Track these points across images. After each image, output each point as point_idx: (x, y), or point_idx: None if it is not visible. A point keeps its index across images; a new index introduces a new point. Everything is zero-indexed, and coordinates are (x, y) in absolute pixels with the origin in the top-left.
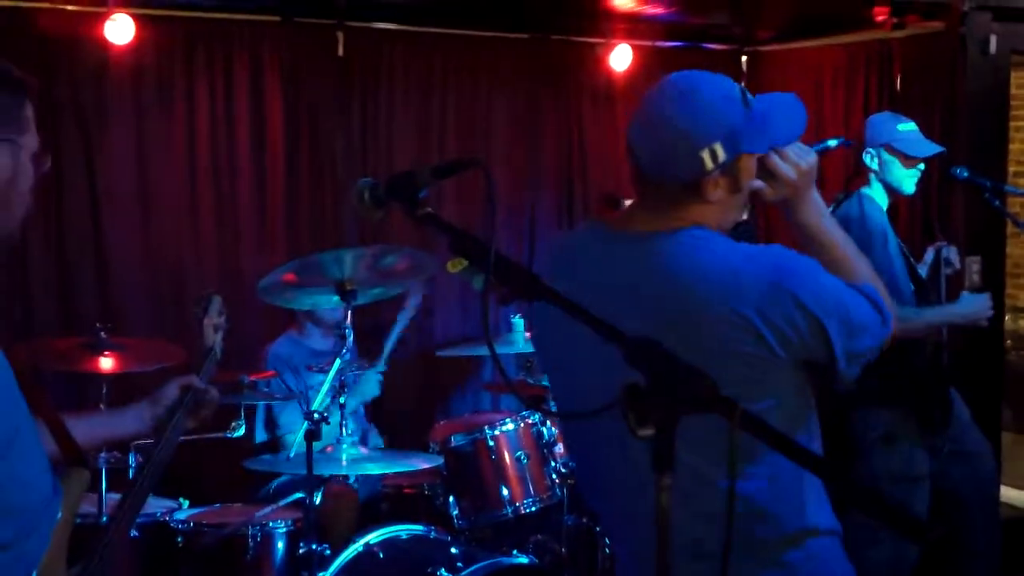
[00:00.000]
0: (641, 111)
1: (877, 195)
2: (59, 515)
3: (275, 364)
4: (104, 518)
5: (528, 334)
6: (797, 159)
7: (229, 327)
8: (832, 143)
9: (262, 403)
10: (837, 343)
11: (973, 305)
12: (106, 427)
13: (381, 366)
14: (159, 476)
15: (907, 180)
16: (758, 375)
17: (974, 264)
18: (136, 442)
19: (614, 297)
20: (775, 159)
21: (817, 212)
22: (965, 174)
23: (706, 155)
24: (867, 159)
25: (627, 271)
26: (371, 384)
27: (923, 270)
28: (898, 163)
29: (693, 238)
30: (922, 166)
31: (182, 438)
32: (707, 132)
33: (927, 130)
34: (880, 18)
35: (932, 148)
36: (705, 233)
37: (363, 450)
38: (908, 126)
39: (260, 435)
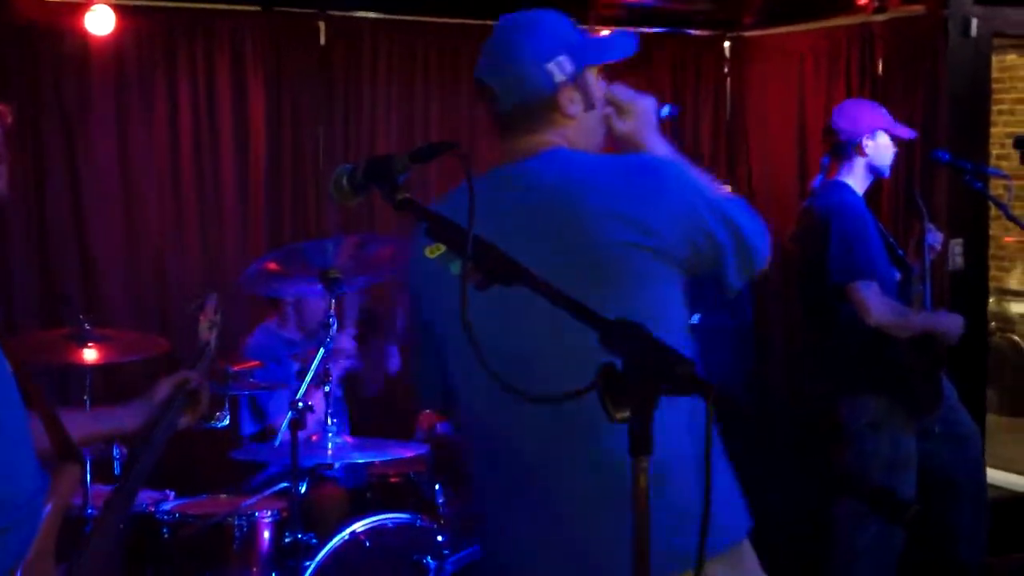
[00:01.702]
0: (485, 48)
1: (856, 182)
2: (47, 508)
3: (256, 354)
4: (89, 510)
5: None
6: (635, 95)
7: (222, 325)
8: (664, 111)
9: (245, 394)
10: (723, 253)
11: (949, 323)
12: (99, 423)
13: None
14: (149, 472)
15: (889, 163)
16: (645, 270)
17: (956, 247)
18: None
19: (503, 234)
20: (618, 88)
21: (664, 151)
22: (947, 157)
23: (553, 67)
24: (864, 145)
25: (508, 204)
26: (343, 340)
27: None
28: (890, 145)
29: (558, 153)
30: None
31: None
32: (551, 47)
33: (909, 113)
34: (862, 2)
35: (910, 132)
36: (570, 151)
37: (348, 439)
38: (883, 110)
39: (248, 427)
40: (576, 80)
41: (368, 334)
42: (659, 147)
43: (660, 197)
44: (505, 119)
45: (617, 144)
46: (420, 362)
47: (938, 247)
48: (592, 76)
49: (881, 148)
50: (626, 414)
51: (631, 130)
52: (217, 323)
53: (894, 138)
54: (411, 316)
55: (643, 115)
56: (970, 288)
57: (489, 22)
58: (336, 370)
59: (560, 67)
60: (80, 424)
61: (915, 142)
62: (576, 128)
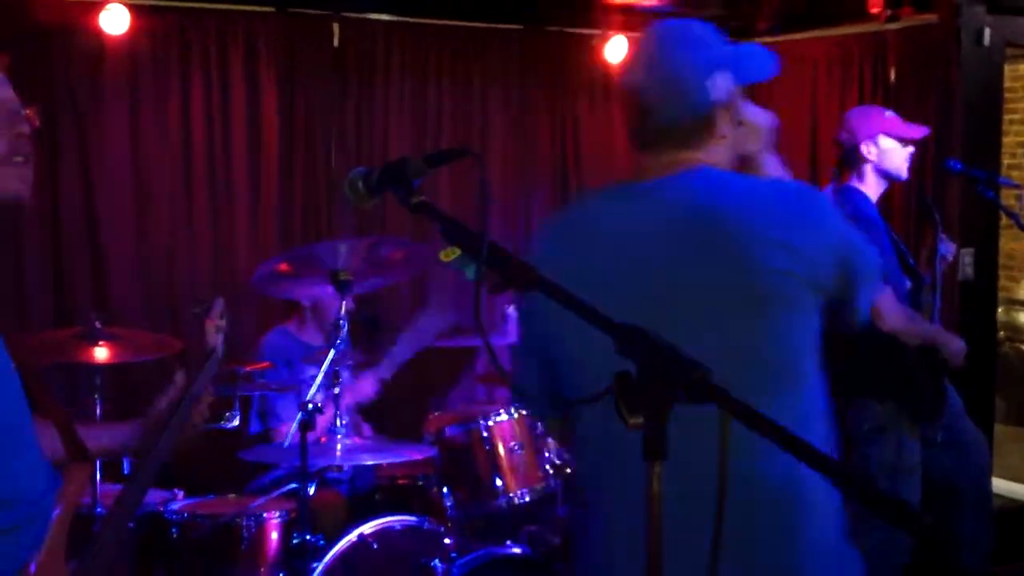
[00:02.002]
0: (641, 56)
1: (869, 188)
2: (57, 509)
3: (270, 355)
4: (99, 509)
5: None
6: (763, 113)
7: (228, 329)
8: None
9: (256, 394)
10: (859, 279)
11: (955, 345)
12: (102, 438)
13: (386, 375)
14: (154, 475)
15: (903, 165)
16: (795, 297)
17: (967, 256)
18: None
19: (646, 246)
20: (749, 107)
21: (780, 172)
22: (959, 166)
23: (712, 84)
24: (864, 151)
25: (652, 218)
26: (367, 385)
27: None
28: (896, 148)
29: (707, 172)
30: (912, 149)
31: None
32: (710, 62)
33: (922, 122)
34: (875, 10)
35: (922, 129)
36: (719, 170)
37: (357, 441)
38: (890, 113)
39: (255, 426)
40: (730, 98)
41: (373, 337)
42: (776, 167)
43: (819, 227)
44: (654, 133)
45: (739, 163)
46: (536, 372)
47: (950, 258)
48: (739, 92)
49: (886, 152)
50: (640, 420)
51: (755, 151)
52: (223, 327)
53: (903, 140)
54: (526, 324)
55: (765, 135)
56: (979, 297)
57: (500, 25)
58: (348, 398)
59: (718, 84)
60: (90, 437)
61: (927, 151)
62: (722, 147)
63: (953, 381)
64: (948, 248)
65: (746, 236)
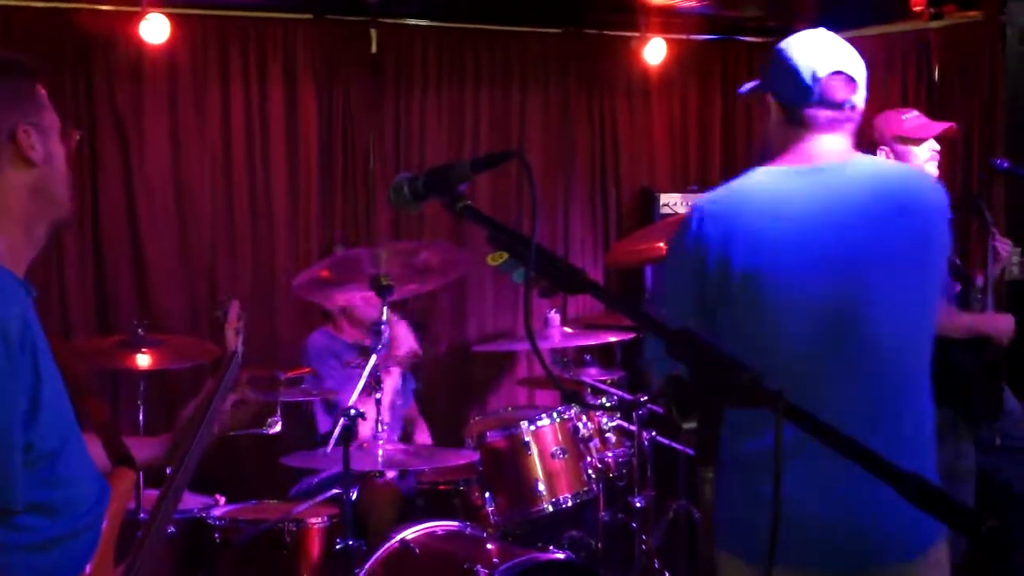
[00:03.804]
0: (844, 47)
1: None
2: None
3: (316, 354)
4: (142, 515)
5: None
6: None
7: (246, 330)
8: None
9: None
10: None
11: (999, 323)
12: (139, 449)
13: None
14: (186, 482)
15: (928, 165)
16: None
17: (1015, 255)
18: None
19: (838, 224)
20: None
21: None
22: (1005, 165)
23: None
24: (882, 156)
25: (845, 197)
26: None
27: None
28: (912, 149)
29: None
30: (936, 146)
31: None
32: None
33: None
34: (917, 8)
35: (938, 126)
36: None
37: (399, 446)
38: (910, 114)
39: (324, 424)
40: None
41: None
42: None
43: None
44: (844, 115)
45: None
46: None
47: (1005, 256)
48: None
49: (902, 155)
50: (693, 424)
51: None
52: (241, 329)
53: (918, 140)
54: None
55: None
56: None
57: (538, 29)
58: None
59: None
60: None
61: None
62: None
63: (1009, 384)
64: (1004, 246)
65: (935, 239)
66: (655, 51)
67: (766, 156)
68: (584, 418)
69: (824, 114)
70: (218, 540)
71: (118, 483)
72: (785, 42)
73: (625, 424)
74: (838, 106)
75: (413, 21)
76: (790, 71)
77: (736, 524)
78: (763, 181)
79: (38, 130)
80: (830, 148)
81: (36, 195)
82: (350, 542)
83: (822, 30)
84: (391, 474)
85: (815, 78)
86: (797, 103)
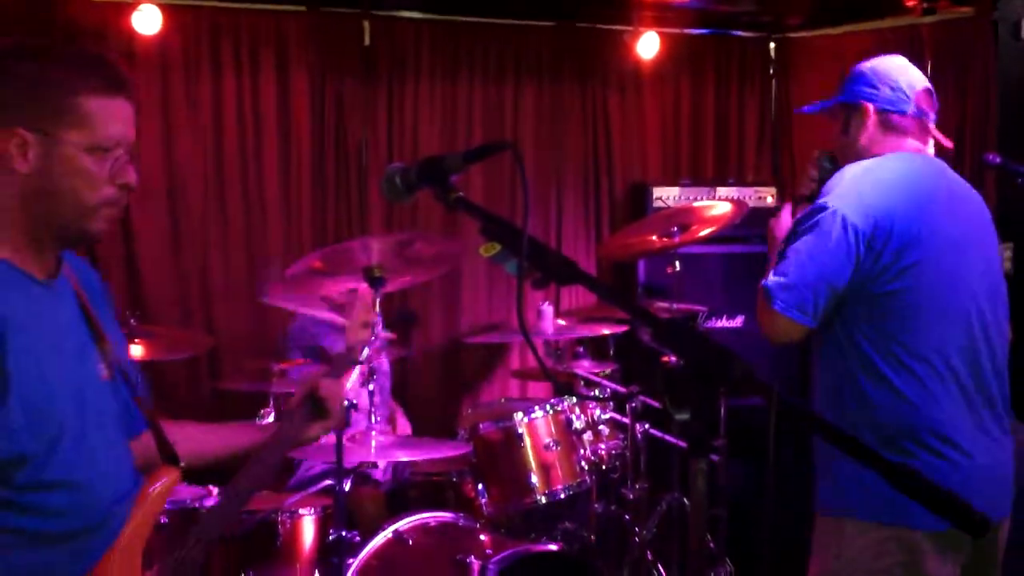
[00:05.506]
0: (912, 70)
1: None
2: (133, 511)
3: (297, 341)
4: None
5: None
6: None
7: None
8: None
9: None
10: None
11: None
12: (212, 440)
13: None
14: (253, 487)
15: None
16: None
17: (1006, 252)
18: None
19: (967, 220)
20: None
21: None
22: (998, 160)
23: None
24: None
25: (957, 196)
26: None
27: None
28: None
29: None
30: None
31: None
32: None
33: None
34: (910, 3)
35: None
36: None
37: (392, 437)
38: None
39: None
40: None
41: (406, 332)
42: None
43: None
44: (929, 115)
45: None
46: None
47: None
48: None
49: None
50: (686, 416)
51: None
52: (372, 323)
53: None
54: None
55: None
56: (1020, 293)
57: (531, 22)
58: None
59: None
60: (194, 439)
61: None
62: None
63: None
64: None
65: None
66: (648, 45)
67: (852, 160)
68: (577, 410)
69: (917, 123)
70: None
71: (156, 482)
72: (876, 61)
73: (618, 416)
74: (926, 116)
75: (406, 13)
76: (893, 85)
77: (872, 488)
78: (900, 167)
79: (43, 139)
80: (919, 151)
81: (26, 203)
82: (343, 533)
83: (898, 56)
84: (382, 465)
85: (913, 91)
86: (898, 112)
